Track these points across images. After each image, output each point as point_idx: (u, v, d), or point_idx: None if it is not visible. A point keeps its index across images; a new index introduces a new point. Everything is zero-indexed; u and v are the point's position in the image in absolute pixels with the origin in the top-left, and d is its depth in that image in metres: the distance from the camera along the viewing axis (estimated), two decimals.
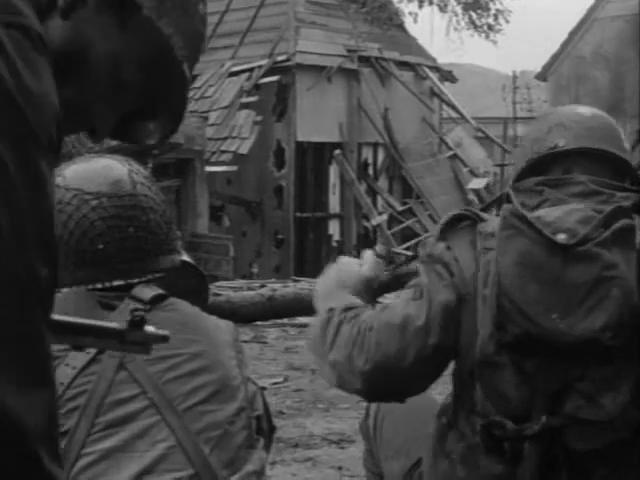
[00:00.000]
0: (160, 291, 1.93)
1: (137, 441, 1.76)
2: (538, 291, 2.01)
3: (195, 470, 1.76)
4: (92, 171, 1.96)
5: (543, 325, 2.00)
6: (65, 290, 1.92)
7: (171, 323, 1.89)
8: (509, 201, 2.16)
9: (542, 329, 2.00)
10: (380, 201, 24.45)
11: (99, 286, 1.91)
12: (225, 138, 22.12)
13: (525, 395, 2.06)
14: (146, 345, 1.43)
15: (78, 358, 1.81)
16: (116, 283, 1.92)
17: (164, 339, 1.44)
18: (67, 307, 1.87)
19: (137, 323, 1.41)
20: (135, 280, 1.93)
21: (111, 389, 1.80)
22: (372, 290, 2.40)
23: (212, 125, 21.71)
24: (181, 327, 1.90)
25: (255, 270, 21.95)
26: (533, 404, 2.07)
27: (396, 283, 10.10)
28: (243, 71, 23.07)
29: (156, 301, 1.91)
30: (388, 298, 10.41)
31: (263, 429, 1.97)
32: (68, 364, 1.80)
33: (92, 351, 1.82)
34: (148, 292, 1.91)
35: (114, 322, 1.86)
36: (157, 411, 1.79)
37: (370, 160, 24.75)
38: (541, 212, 2.11)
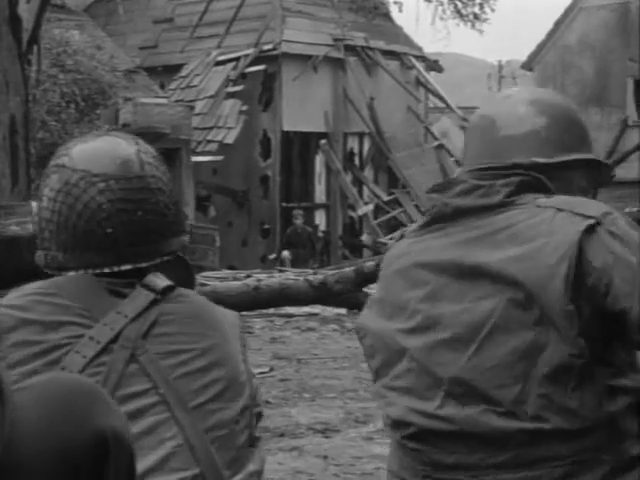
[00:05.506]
0: (169, 281, 1.88)
1: (145, 438, 1.72)
2: None
3: (200, 469, 1.74)
4: (100, 151, 1.88)
5: None
6: (71, 273, 1.87)
7: (182, 316, 1.86)
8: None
9: None
10: (366, 191, 24.45)
11: (107, 270, 1.86)
12: (211, 128, 22.06)
13: None
14: None
15: (89, 346, 1.77)
16: (124, 268, 1.86)
17: None
18: (73, 291, 1.83)
19: None
20: (143, 264, 1.88)
21: (122, 382, 1.76)
22: None
23: (198, 114, 21.65)
24: (192, 320, 1.86)
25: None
26: None
27: None
28: (229, 60, 23.01)
29: (166, 292, 1.86)
30: (373, 288, 10.41)
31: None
32: (79, 352, 1.76)
33: (103, 340, 1.78)
34: (160, 282, 1.86)
35: (126, 311, 1.80)
36: (167, 408, 1.76)
37: (356, 150, 24.73)
38: None
